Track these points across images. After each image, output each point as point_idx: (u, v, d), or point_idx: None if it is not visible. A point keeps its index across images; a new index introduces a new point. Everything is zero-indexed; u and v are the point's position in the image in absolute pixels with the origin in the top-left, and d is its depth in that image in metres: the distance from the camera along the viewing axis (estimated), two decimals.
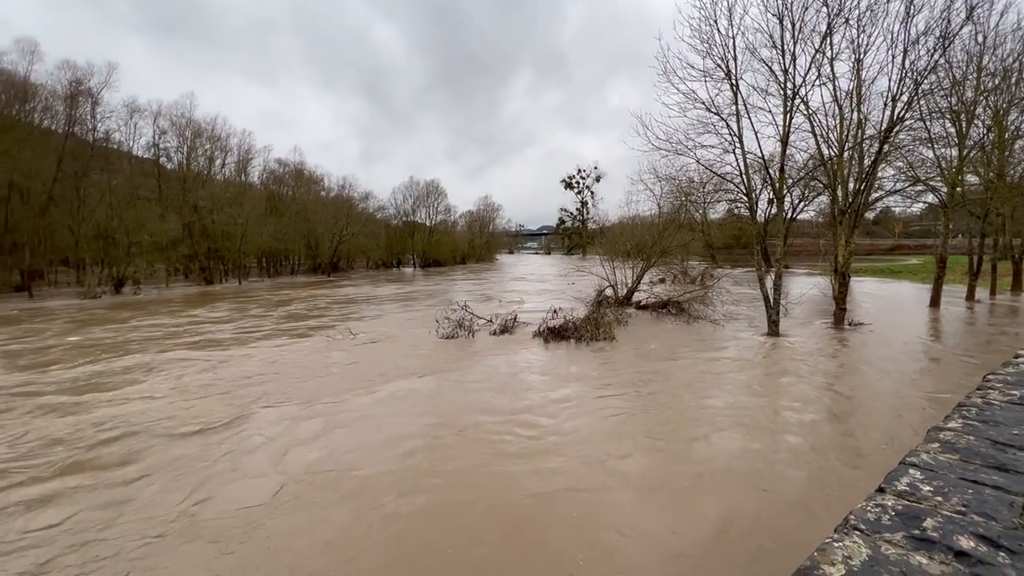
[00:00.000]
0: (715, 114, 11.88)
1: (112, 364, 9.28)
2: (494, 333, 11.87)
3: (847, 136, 12.46)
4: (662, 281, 20.16)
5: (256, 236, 35.63)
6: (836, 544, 1.16)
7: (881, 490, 1.42)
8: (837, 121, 12.64)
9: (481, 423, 5.94)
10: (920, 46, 11.14)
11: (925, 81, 11.58)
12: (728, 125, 11.87)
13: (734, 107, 11.68)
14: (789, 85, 11.39)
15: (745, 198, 12.98)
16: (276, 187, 44.95)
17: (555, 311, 12.49)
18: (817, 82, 11.81)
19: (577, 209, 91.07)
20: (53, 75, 28.53)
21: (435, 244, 60.10)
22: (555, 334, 11.29)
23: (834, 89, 12.42)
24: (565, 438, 5.45)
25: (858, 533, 1.21)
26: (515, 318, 12.75)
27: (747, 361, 9.08)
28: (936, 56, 11.03)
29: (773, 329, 11.56)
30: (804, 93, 11.70)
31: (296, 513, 3.97)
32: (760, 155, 12.20)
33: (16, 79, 26.03)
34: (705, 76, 11.77)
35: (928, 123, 15.19)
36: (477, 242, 71.00)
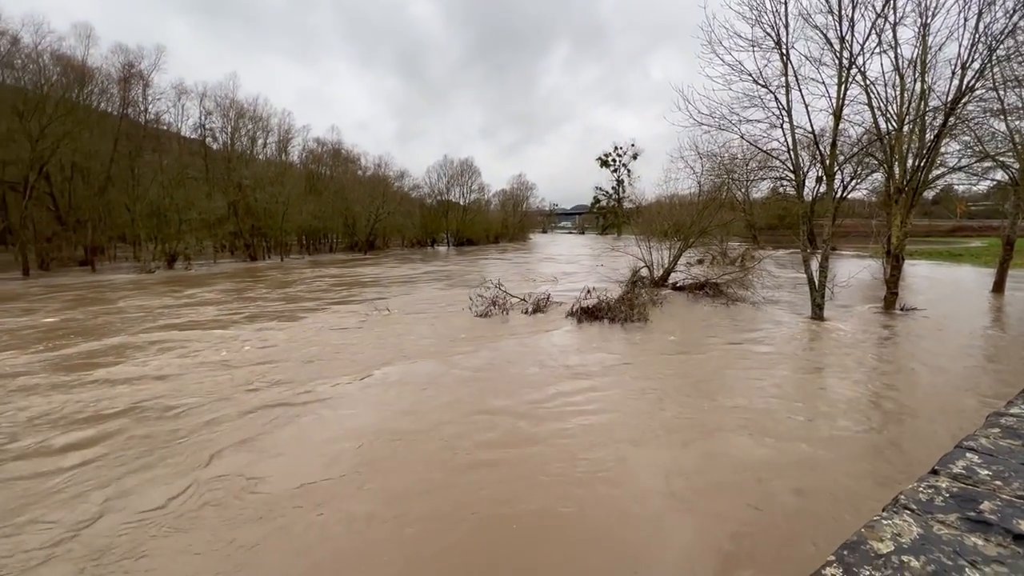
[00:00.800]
0: (763, 86, 11.30)
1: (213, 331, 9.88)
2: (527, 312, 11.91)
3: (908, 108, 11.63)
4: (700, 262, 19.62)
5: (296, 214, 36.70)
6: (885, 522, 1.14)
7: (935, 472, 1.38)
8: (897, 92, 11.81)
9: (501, 406, 6.03)
10: (997, 7, 10.19)
11: (1001, 46, 10.60)
12: (776, 98, 11.28)
13: (783, 79, 11.07)
14: (845, 54, 10.67)
15: (792, 175, 12.37)
16: (315, 166, 45.99)
17: (588, 291, 12.41)
18: (877, 50, 11.04)
19: (613, 188, 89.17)
20: (107, 59, 29.90)
21: (468, 223, 60.35)
22: (588, 314, 11.23)
23: (896, 57, 11.57)
24: (588, 419, 5.47)
25: (908, 512, 1.18)
26: (548, 297, 12.74)
27: (786, 346, 8.80)
28: (1016, 18, 10.06)
29: (817, 313, 11.12)
30: (862, 62, 10.97)
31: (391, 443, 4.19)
32: (810, 130, 11.57)
33: (75, 63, 27.33)
34: (753, 46, 11.16)
35: (1002, 93, 13.95)
36: (510, 221, 70.82)
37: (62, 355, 8.24)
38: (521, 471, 4.26)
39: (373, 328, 10.43)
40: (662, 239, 16.55)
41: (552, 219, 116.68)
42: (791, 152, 11.58)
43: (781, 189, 31.62)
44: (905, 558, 1.01)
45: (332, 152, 47.69)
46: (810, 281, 11.42)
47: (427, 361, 7.79)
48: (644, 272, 15.93)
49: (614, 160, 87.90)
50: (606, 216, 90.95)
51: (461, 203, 61.27)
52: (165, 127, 34.74)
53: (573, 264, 27.87)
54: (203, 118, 35.95)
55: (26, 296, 15.88)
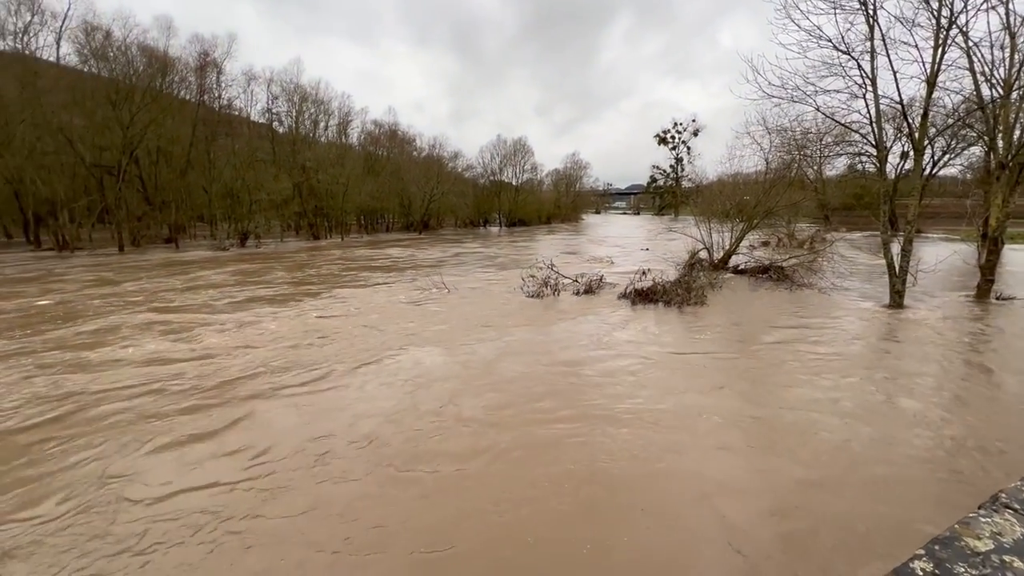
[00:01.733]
0: (844, 53, 10.34)
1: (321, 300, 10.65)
2: (578, 293, 11.82)
3: (1018, 72, 10.30)
4: (764, 244, 18.59)
5: (356, 195, 38.01)
6: (983, 520, 1.05)
7: None
8: (1006, 54, 10.49)
9: (553, 381, 6.05)
10: None
11: None
12: (859, 65, 10.31)
13: (868, 43, 10.07)
14: (944, 12, 9.54)
15: (873, 151, 11.31)
16: (372, 148, 47.26)
17: (643, 272, 12.11)
18: (984, 6, 9.78)
19: (671, 166, 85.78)
20: (185, 48, 31.86)
21: (520, 203, 60.16)
22: (642, 296, 10.99)
23: (1006, 14, 10.23)
24: (636, 405, 5.39)
25: (1010, 512, 1.09)
26: (601, 279, 12.57)
27: (857, 337, 8.22)
28: None
29: (896, 300, 10.27)
30: (964, 21, 9.77)
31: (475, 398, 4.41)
32: (897, 100, 10.50)
33: (157, 54, 29.35)
34: (834, 8, 10.21)
35: None
36: (563, 201, 69.89)
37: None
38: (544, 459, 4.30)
39: (431, 305, 10.73)
40: (723, 220, 15.78)
41: (606, 199, 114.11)
42: (873, 125, 10.60)
43: (859, 166, 29.09)
44: (1007, 558, 0.94)
45: (389, 133, 48.80)
46: (889, 266, 10.54)
47: (486, 342, 7.95)
48: (703, 254, 15.31)
49: (673, 137, 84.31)
50: (662, 196, 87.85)
51: (513, 183, 61.09)
52: (236, 112, 36.79)
53: (624, 246, 27.23)
54: (270, 102, 37.78)
55: (145, 268, 17.56)
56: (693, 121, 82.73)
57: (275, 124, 38.46)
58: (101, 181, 26.35)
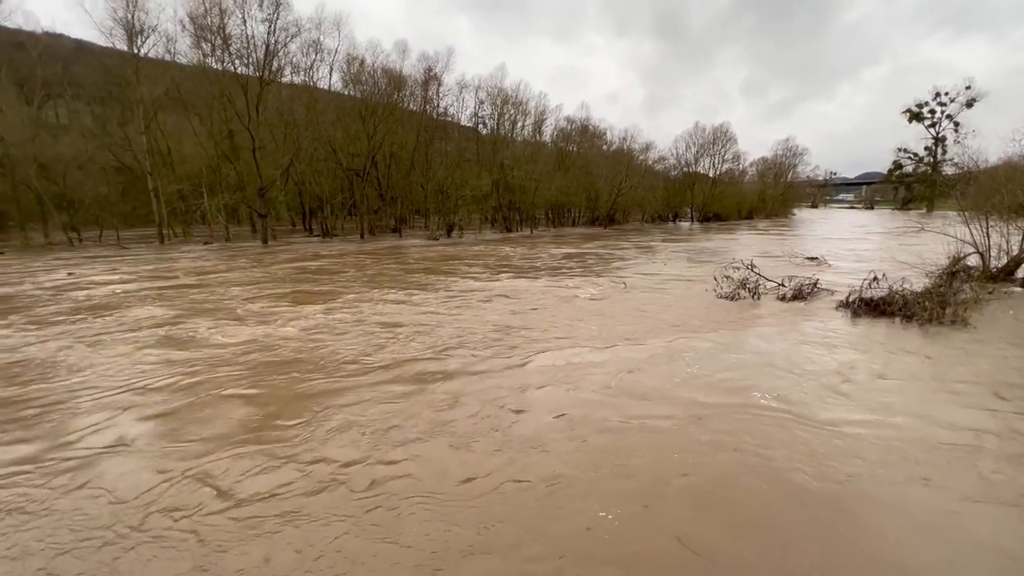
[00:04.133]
0: None
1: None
2: (784, 298, 10.22)
3: None
4: None
5: (546, 190, 39.76)
6: None
7: None
8: None
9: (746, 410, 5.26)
10: None
11: None
12: None
13: None
14: None
15: None
16: (563, 144, 48.70)
17: (875, 278, 9.83)
18: None
19: (926, 148, 68.26)
20: (414, 66, 37.37)
21: (717, 196, 55.08)
22: (871, 307, 8.94)
23: None
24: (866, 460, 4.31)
25: None
26: (815, 283, 10.66)
27: None
28: None
29: None
30: None
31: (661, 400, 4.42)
32: None
33: (394, 73, 35.14)
34: None
35: None
36: (769, 193, 61.62)
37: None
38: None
39: (616, 302, 10.58)
40: (1009, 215, 11.80)
41: (826, 191, 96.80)
42: None
43: None
44: None
45: (580, 129, 49.58)
46: None
47: (694, 337, 7.48)
48: (972, 260, 11.74)
49: (932, 111, 66.75)
50: (909, 186, 70.46)
51: (710, 175, 56.19)
52: (449, 118, 41.87)
53: (860, 246, 22.55)
54: (477, 107, 41.93)
55: (390, 249, 21.68)
56: (967, 88, 64.03)
57: (479, 127, 42.62)
58: (351, 182, 32.90)
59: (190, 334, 7.95)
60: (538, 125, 46.06)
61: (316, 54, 32.32)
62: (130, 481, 3.76)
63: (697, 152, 55.90)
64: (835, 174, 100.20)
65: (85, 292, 11.83)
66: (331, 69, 33.53)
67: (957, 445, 4.20)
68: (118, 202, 29.39)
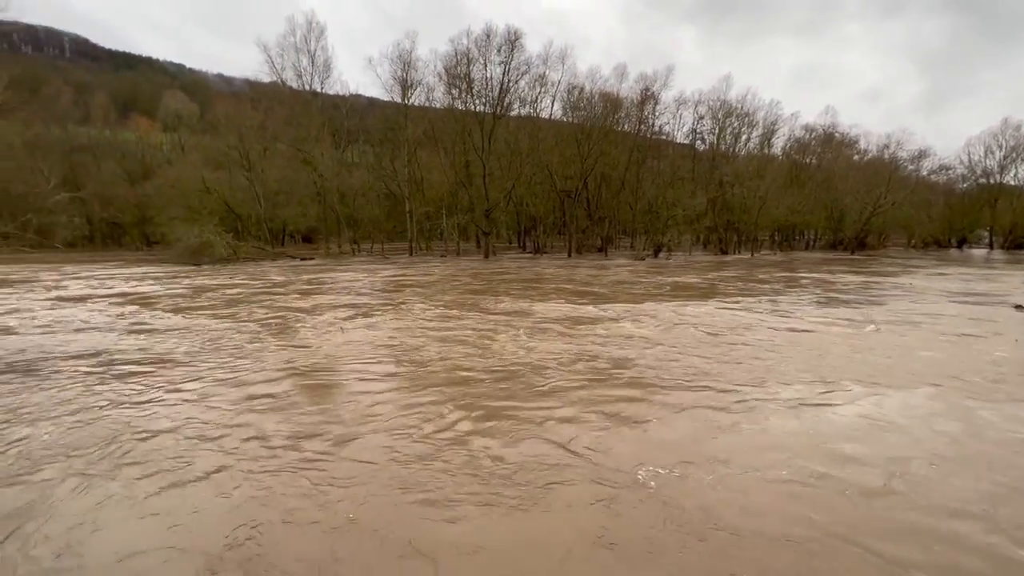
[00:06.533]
0: None
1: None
2: None
3: None
4: None
5: (773, 208, 35.05)
6: None
7: None
8: None
9: None
10: None
11: None
12: None
13: None
14: None
15: None
16: (799, 156, 42.27)
17: None
18: None
19: None
20: (631, 88, 37.38)
21: None
22: None
23: None
24: None
25: None
26: None
27: None
28: None
29: None
30: None
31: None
32: None
33: (611, 96, 35.76)
34: None
35: None
36: None
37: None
38: None
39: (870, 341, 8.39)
40: None
41: None
42: None
43: None
44: None
45: (823, 138, 42.37)
46: None
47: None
48: None
49: None
50: None
51: None
52: (664, 136, 40.56)
53: None
54: (696, 123, 39.64)
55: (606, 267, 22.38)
56: None
57: (697, 143, 40.16)
58: (563, 202, 34.53)
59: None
60: (767, 136, 41.12)
61: (541, 87, 35.14)
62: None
63: (1004, 158, 41.94)
64: None
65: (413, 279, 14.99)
66: (553, 99, 36.01)
67: None
68: (384, 221, 37.08)
